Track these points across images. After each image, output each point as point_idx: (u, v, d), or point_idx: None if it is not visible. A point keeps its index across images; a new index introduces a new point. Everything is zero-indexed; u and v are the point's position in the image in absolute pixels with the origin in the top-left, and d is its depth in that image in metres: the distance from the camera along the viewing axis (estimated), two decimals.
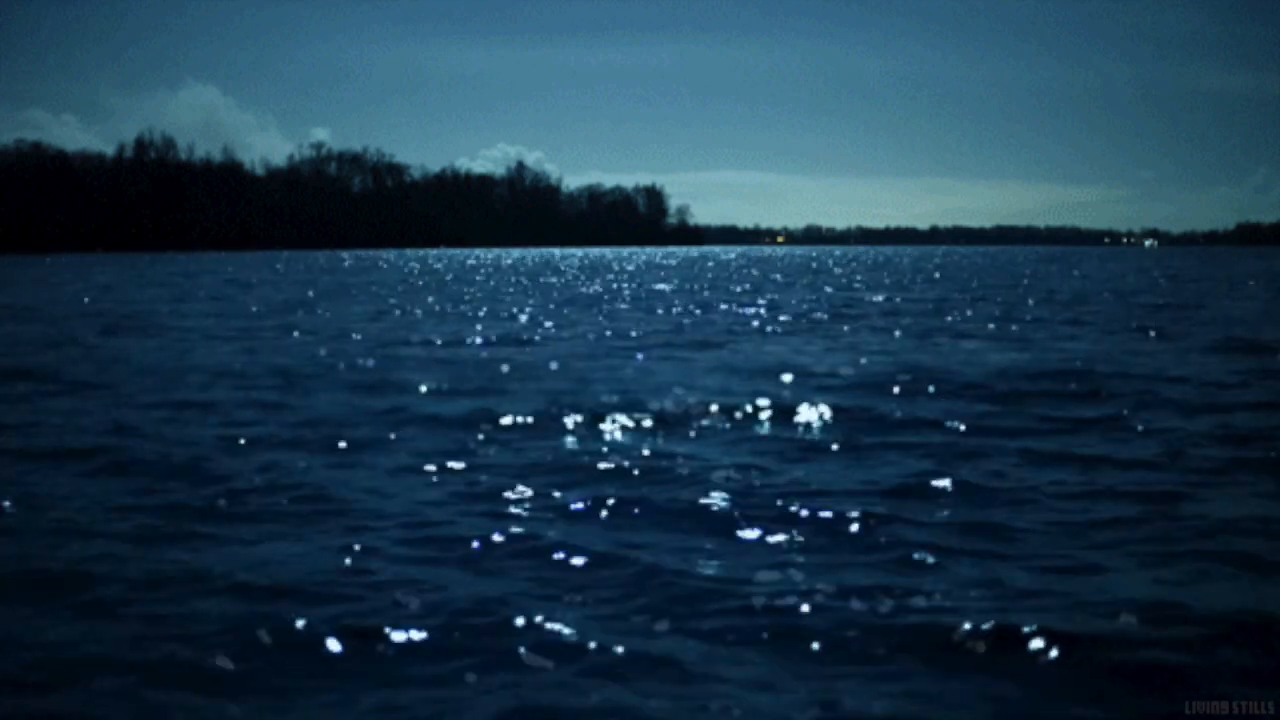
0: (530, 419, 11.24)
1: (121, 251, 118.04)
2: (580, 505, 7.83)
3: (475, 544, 6.83)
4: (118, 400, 12.98)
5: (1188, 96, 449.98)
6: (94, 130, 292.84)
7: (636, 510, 7.69)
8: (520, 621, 5.46)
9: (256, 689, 4.82)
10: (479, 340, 21.03)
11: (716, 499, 7.94)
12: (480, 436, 10.46)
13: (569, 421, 11.16)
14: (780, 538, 7.05)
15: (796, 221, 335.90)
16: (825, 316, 28.03)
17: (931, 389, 13.50)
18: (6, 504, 7.83)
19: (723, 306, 32.40)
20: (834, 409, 11.77)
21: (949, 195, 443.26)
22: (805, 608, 5.69)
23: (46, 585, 6.13)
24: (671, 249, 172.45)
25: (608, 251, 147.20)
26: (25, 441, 10.26)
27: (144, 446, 9.93)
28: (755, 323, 26.00)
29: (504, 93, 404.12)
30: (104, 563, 6.46)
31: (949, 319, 26.56)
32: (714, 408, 11.85)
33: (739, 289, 44.53)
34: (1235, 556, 6.61)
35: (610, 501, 7.86)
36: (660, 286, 46.92)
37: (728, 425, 11.15)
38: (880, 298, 37.18)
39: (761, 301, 35.11)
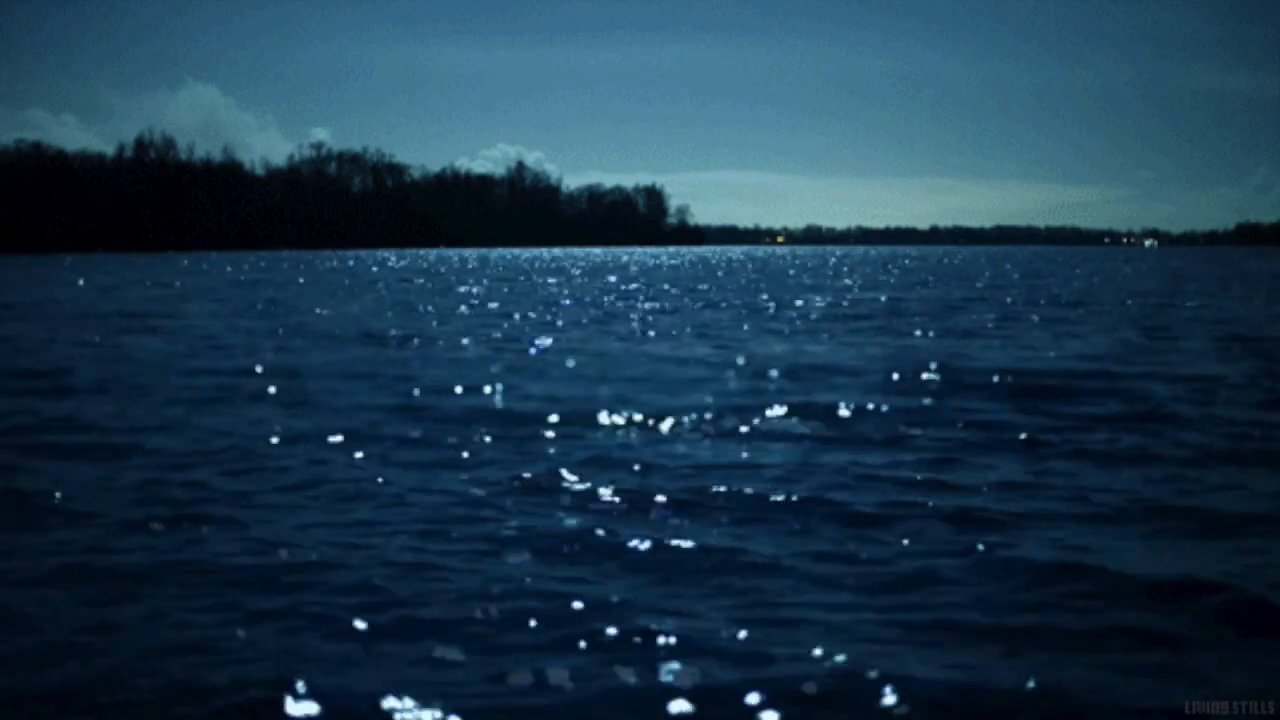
0: None
1: (121, 251, 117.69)
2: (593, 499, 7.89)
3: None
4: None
5: (1188, 96, 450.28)
6: (94, 130, 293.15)
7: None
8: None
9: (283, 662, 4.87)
10: None
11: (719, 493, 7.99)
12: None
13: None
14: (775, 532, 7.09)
15: (796, 221, 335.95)
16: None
17: (942, 385, 13.52)
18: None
19: None
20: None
21: (949, 195, 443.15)
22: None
23: (61, 572, 6.20)
24: (672, 248, 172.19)
25: (603, 252, 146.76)
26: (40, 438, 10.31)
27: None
28: None
29: (504, 93, 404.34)
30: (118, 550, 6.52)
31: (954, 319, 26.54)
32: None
33: None
34: (1235, 552, 6.64)
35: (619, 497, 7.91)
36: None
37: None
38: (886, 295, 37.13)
39: None
